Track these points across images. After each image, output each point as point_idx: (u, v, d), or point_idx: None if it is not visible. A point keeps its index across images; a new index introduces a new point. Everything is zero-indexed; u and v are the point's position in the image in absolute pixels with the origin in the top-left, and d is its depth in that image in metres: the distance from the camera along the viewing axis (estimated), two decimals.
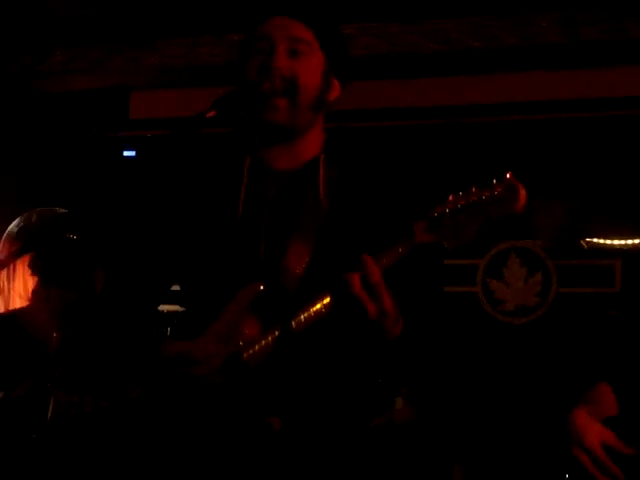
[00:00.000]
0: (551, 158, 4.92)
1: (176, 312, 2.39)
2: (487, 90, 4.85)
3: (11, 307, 3.59)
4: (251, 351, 2.09)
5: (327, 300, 2.06)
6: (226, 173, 2.31)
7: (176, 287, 2.36)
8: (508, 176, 2.00)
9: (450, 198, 2.04)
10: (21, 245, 2.19)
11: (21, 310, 3.43)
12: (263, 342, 2.09)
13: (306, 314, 2.06)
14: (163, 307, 2.43)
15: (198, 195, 2.31)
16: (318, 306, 2.06)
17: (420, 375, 2.23)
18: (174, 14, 4.82)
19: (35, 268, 3.16)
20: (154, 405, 2.13)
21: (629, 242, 5.24)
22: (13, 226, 4.43)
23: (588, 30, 4.41)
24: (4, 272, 3.51)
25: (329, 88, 2.27)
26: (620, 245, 5.23)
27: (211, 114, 2.15)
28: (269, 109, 2.18)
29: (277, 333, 2.08)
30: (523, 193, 1.99)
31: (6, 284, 3.74)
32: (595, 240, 5.23)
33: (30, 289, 3.79)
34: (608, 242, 5.24)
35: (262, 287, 2.13)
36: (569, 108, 4.80)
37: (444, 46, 4.59)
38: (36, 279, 3.41)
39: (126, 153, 5.52)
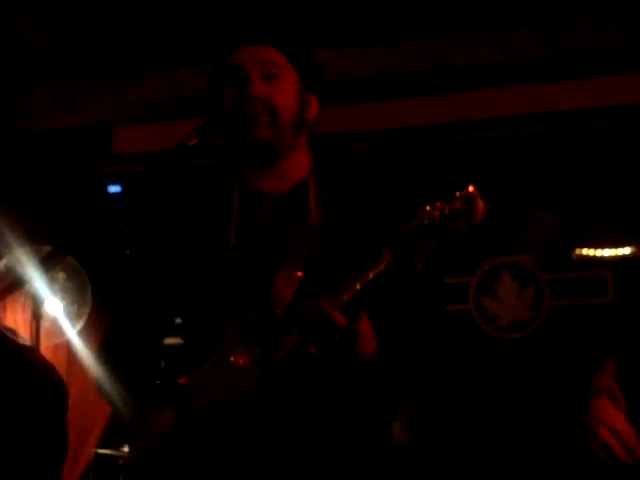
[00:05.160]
0: (540, 171, 4.92)
1: (173, 345, 2.39)
2: (473, 107, 4.86)
3: None
4: (241, 383, 2.09)
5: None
6: (216, 202, 2.31)
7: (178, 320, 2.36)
8: (471, 189, 2.03)
9: (419, 213, 2.07)
10: (8, 284, 2.18)
11: None
12: (251, 372, 2.09)
13: (287, 343, 2.08)
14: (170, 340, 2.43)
15: (190, 226, 2.31)
16: (293, 337, 2.08)
17: (415, 394, 2.23)
18: (153, 48, 4.83)
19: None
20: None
21: (619, 252, 5.24)
22: (0, 266, 4.43)
23: (569, 41, 4.43)
24: None
25: (307, 107, 2.30)
26: (610, 255, 5.24)
27: (192, 142, 2.15)
28: (253, 127, 2.20)
29: (261, 362, 2.09)
30: (481, 204, 2.02)
31: None
32: (585, 251, 5.23)
33: (21, 325, 3.83)
34: (598, 253, 5.24)
35: (252, 316, 2.14)
36: (555, 120, 4.80)
37: (427, 65, 4.61)
38: (27, 315, 3.42)
39: (111, 189, 5.51)
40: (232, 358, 2.12)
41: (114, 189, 5.48)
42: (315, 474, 2.13)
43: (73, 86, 5.18)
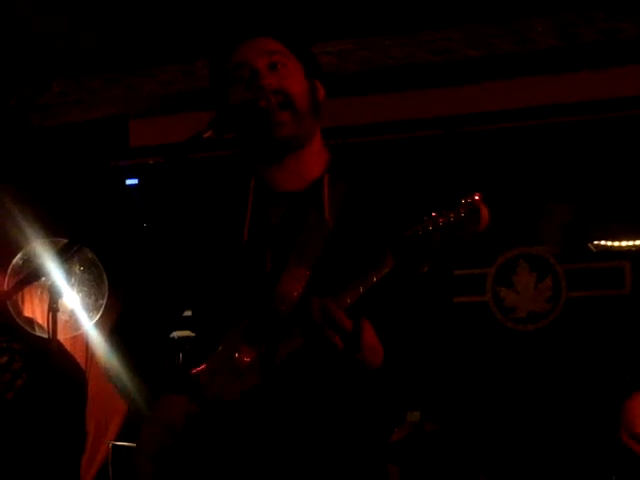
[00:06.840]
0: (556, 162, 4.91)
1: (188, 338, 2.38)
2: (488, 98, 4.84)
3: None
4: (244, 380, 2.08)
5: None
6: (231, 196, 2.30)
7: (188, 313, 2.36)
8: (476, 197, 1.98)
9: (424, 219, 2.03)
10: (26, 276, 2.19)
11: None
12: (255, 370, 2.08)
13: (290, 342, 2.06)
14: (176, 333, 2.42)
15: (204, 219, 2.31)
16: (297, 336, 2.06)
17: (426, 395, 2.21)
18: (168, 40, 4.83)
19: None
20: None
21: (637, 243, 5.22)
22: (17, 258, 4.46)
23: (583, 32, 4.40)
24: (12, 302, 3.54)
25: (316, 89, 2.30)
26: (629, 246, 5.22)
27: (208, 134, 2.15)
28: (277, 127, 2.19)
29: (264, 360, 2.07)
30: (485, 213, 1.97)
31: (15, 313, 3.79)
32: (603, 242, 5.21)
33: (38, 317, 3.85)
34: (616, 244, 5.22)
35: (256, 313, 2.13)
36: (572, 111, 4.78)
37: (441, 57, 4.59)
38: (44, 308, 3.44)
39: (128, 181, 5.53)
40: (236, 355, 2.11)
41: (131, 181, 5.50)
42: (315, 475, 2.12)
43: (88, 79, 5.18)
